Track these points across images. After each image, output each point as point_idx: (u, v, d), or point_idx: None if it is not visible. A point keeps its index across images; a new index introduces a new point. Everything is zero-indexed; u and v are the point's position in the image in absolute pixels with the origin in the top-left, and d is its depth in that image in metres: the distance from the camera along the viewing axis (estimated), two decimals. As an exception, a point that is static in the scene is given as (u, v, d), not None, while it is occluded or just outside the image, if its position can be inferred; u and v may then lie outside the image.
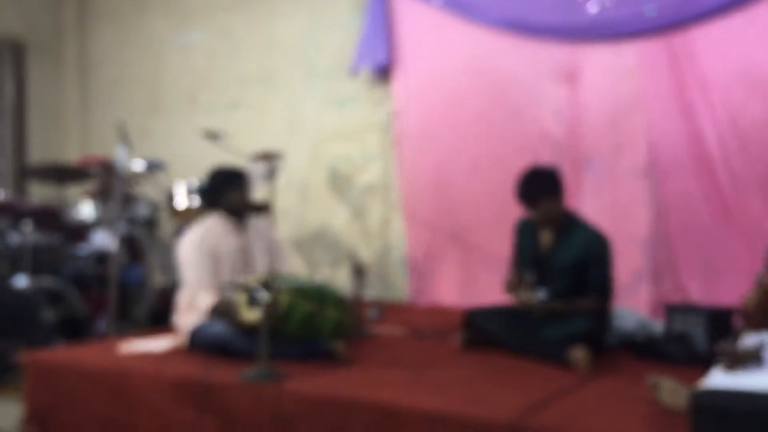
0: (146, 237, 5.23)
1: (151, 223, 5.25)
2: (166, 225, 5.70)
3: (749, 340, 2.65)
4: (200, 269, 3.67)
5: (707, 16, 4.35)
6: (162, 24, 6.70)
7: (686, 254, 4.50)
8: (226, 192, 3.84)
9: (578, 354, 3.24)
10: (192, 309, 3.69)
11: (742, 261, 4.23)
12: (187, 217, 5.07)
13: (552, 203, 3.62)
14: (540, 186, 3.64)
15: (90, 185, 5.47)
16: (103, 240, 5.31)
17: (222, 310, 3.50)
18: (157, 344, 3.77)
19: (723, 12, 4.32)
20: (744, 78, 4.30)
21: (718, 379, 2.53)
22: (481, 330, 3.73)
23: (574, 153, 4.78)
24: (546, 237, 3.74)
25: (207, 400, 3.05)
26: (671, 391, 2.60)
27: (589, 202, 4.74)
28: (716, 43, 4.36)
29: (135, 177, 5.34)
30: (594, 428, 2.43)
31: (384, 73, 5.55)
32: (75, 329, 4.83)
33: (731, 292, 4.25)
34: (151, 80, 6.77)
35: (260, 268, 3.85)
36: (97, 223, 5.12)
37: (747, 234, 4.27)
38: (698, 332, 3.49)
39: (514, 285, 3.65)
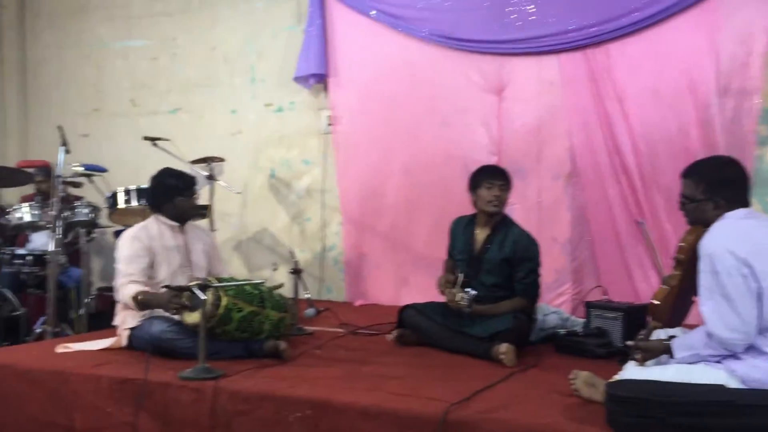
0: (86, 240, 5.08)
1: (90, 226, 5.10)
2: (106, 228, 5.56)
3: (659, 334, 2.76)
4: (130, 260, 3.56)
5: (622, 32, 4.50)
6: (103, 28, 6.54)
7: (605, 255, 4.64)
8: (175, 197, 3.73)
9: (504, 349, 3.31)
10: (125, 307, 3.59)
11: (655, 261, 4.37)
12: (127, 220, 4.96)
13: (507, 193, 3.81)
14: (505, 172, 3.86)
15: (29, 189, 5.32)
16: (43, 242, 5.15)
17: (147, 300, 3.40)
18: (94, 345, 3.67)
19: (637, 30, 4.47)
20: (654, 91, 4.46)
21: (631, 371, 2.63)
22: (414, 327, 3.78)
23: (502, 159, 4.87)
24: (481, 234, 3.84)
25: (145, 399, 3.00)
26: (589, 383, 2.67)
27: (517, 205, 4.83)
28: (630, 59, 4.52)
29: (75, 180, 5.20)
30: (517, 419, 2.48)
31: (322, 80, 5.54)
32: (13, 331, 4.67)
33: (645, 290, 4.40)
34: (92, 84, 6.60)
35: (198, 269, 3.79)
36: (36, 226, 4.96)
37: (659, 236, 4.43)
38: (615, 328, 3.61)
39: (445, 284, 3.72)
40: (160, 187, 3.77)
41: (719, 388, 2.34)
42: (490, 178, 3.77)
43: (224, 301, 3.27)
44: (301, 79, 5.53)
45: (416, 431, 2.55)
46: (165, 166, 3.96)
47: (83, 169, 5.05)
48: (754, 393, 2.34)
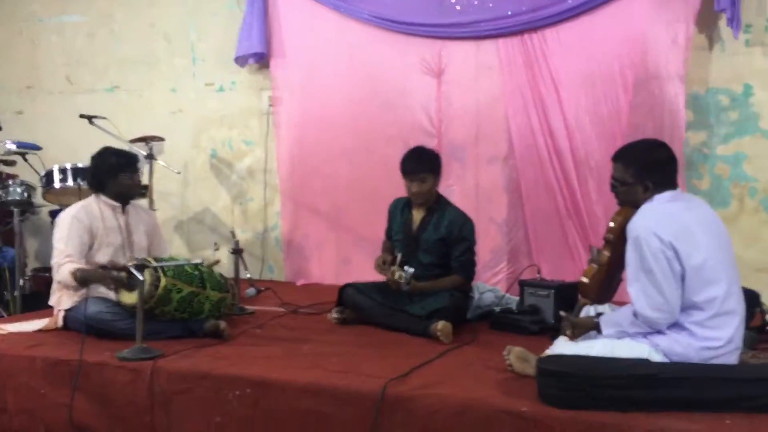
0: (19, 219, 4.89)
1: (25, 205, 4.92)
2: (41, 207, 5.38)
3: (588, 311, 2.83)
4: (69, 240, 3.44)
5: (558, 19, 4.54)
6: (37, 3, 6.25)
7: (539, 235, 4.71)
8: (118, 175, 3.61)
9: (441, 327, 3.35)
10: (59, 285, 3.48)
11: (586, 241, 4.48)
12: (62, 200, 4.81)
13: (432, 180, 3.79)
14: (427, 162, 3.81)
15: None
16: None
17: (86, 276, 3.30)
18: (29, 326, 3.56)
19: (571, 16, 4.52)
20: (588, 76, 4.52)
21: (561, 346, 2.69)
22: (354, 306, 3.79)
23: (441, 141, 4.90)
24: (417, 215, 3.87)
25: (82, 379, 2.93)
26: (522, 358, 2.73)
27: (456, 186, 4.88)
28: (565, 44, 4.56)
29: (8, 158, 5.00)
30: (452, 394, 2.52)
31: (263, 60, 5.46)
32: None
33: (577, 268, 4.51)
34: (26, 60, 6.34)
35: (139, 250, 3.70)
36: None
37: (590, 218, 4.53)
38: (547, 305, 3.68)
39: (383, 264, 3.74)
40: (101, 166, 3.65)
41: (643, 362, 2.42)
42: (408, 174, 3.79)
43: (163, 281, 3.21)
44: (240, 59, 5.42)
45: (355, 407, 2.57)
46: (103, 144, 3.84)
47: (16, 146, 4.86)
48: (676, 366, 2.44)
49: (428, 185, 3.79)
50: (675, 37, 4.33)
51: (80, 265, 3.39)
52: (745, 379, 2.37)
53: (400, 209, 3.97)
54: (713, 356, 2.47)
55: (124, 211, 3.71)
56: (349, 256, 5.24)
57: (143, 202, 4.93)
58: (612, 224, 2.70)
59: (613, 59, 4.46)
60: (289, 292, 4.77)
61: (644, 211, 2.57)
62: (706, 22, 4.38)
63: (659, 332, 2.51)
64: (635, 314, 2.50)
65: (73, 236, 3.46)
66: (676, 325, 2.50)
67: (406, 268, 3.64)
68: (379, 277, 3.81)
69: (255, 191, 5.69)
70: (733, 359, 2.51)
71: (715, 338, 2.47)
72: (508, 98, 4.74)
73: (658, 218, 2.52)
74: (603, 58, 4.47)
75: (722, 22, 4.36)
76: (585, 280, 2.72)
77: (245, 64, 5.44)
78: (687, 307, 2.49)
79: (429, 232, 3.79)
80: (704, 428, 2.18)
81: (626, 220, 2.60)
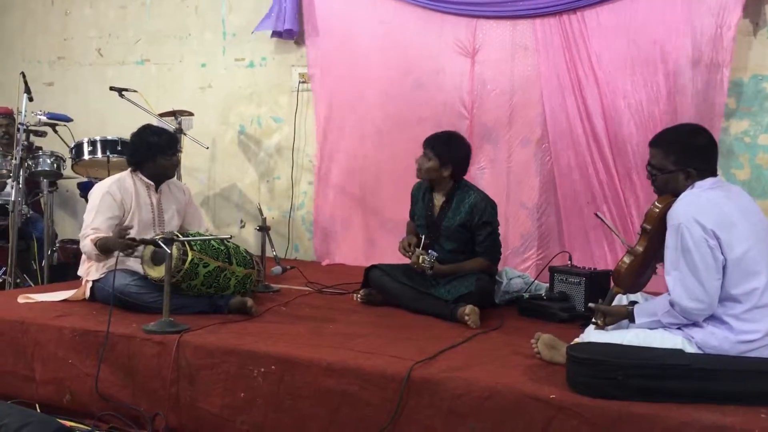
0: (48, 190, 4.96)
1: (54, 176, 4.98)
2: (70, 179, 5.45)
3: (621, 300, 2.80)
4: (98, 213, 3.47)
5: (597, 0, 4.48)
6: (70, -25, 6.33)
7: (571, 221, 4.65)
8: (157, 156, 3.62)
9: (469, 311, 3.34)
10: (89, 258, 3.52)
11: (620, 228, 4.42)
12: (91, 172, 4.86)
13: (436, 164, 3.74)
14: (437, 144, 3.77)
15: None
16: (5, 192, 5.02)
17: (103, 243, 3.30)
18: (56, 296, 3.62)
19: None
20: (627, 60, 4.43)
21: (592, 334, 2.67)
22: (380, 287, 3.79)
23: (474, 123, 4.85)
24: (438, 200, 3.84)
25: (108, 351, 2.98)
26: (550, 345, 2.71)
27: (487, 169, 4.84)
28: (604, 27, 4.47)
29: (39, 129, 5.06)
30: (479, 378, 2.51)
31: (293, 37, 5.45)
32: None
33: (609, 256, 4.47)
34: (58, 32, 6.41)
35: (170, 228, 3.71)
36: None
37: (626, 204, 4.47)
38: (578, 293, 3.65)
39: (408, 246, 3.73)
40: (141, 145, 3.65)
41: (676, 352, 2.39)
42: (424, 145, 3.80)
43: (190, 255, 3.24)
44: (259, 30, 5.43)
45: (380, 388, 2.58)
46: (132, 117, 3.88)
47: (46, 117, 4.91)
48: (709, 358, 2.40)
49: (429, 165, 3.75)
50: (719, 22, 4.22)
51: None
52: (782, 374, 2.33)
53: (422, 193, 3.93)
54: (749, 350, 2.43)
55: (157, 189, 3.73)
56: (376, 237, 5.24)
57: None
58: (650, 213, 2.65)
59: (654, 43, 4.36)
60: (315, 271, 4.79)
61: (686, 198, 2.52)
62: (751, 6, 4.26)
63: (694, 324, 2.47)
64: (671, 304, 2.46)
65: (103, 210, 3.50)
66: (712, 318, 2.46)
67: (430, 251, 3.63)
68: (405, 259, 3.81)
69: (282, 169, 5.71)
70: (769, 353, 2.47)
71: (752, 331, 2.42)
72: (543, 80, 4.67)
73: (701, 206, 2.47)
74: (643, 42, 4.37)
75: (768, 7, 4.25)
76: (619, 268, 2.68)
77: (279, 36, 5.43)
78: (724, 299, 2.45)
79: (449, 219, 3.75)
80: (738, 421, 2.15)
81: (667, 208, 2.55)
